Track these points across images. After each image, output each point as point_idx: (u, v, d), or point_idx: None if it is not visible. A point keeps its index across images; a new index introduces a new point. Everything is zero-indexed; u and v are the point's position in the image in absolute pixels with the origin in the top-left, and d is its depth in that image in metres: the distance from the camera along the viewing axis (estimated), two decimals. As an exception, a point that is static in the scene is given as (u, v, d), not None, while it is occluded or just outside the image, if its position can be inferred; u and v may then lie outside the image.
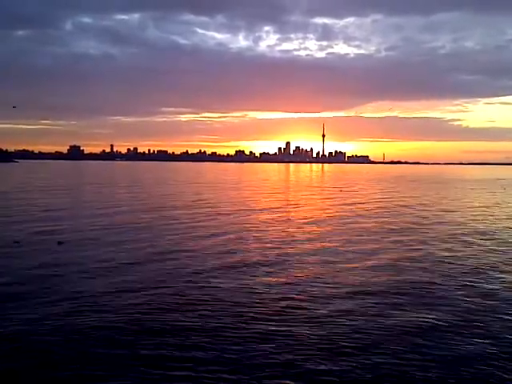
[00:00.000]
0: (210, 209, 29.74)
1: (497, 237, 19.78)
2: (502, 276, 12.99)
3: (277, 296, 10.92)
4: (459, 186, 64.41)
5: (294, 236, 19.72)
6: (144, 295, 10.89)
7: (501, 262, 14.69)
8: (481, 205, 34.69)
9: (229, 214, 26.89)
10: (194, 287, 11.65)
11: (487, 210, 31.24)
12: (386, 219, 25.46)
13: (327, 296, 10.94)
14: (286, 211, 29.83)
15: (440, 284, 12.08)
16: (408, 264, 14.38)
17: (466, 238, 19.24)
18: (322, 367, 7.29)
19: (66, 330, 8.69)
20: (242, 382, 6.86)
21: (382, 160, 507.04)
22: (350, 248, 16.89)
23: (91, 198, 37.08)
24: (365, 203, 35.26)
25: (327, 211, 29.95)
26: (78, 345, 8.08)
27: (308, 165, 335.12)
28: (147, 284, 11.85)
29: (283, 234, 20.36)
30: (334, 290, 11.40)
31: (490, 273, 13.35)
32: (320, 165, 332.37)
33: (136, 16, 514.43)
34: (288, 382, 6.88)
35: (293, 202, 36.46)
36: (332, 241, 18.50)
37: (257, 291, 11.32)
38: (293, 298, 10.74)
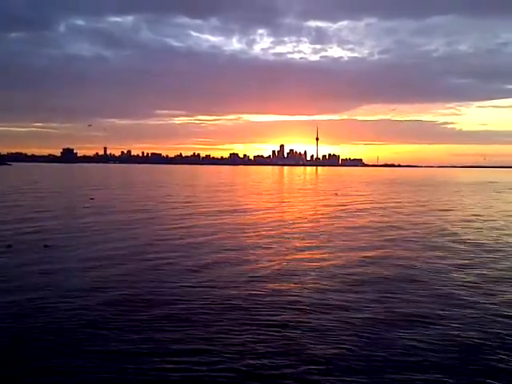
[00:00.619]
0: (201, 210, 30.01)
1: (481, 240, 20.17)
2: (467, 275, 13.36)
3: (265, 290, 11.23)
4: (451, 189, 64.96)
5: (282, 235, 20.01)
6: (135, 292, 11.10)
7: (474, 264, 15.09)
8: (474, 207, 35.22)
9: (219, 215, 27.16)
10: (185, 284, 11.90)
11: (481, 211, 31.69)
12: (373, 219, 25.85)
13: (310, 289, 11.30)
14: (276, 212, 30.10)
15: (409, 281, 12.51)
16: (385, 261, 14.76)
17: (451, 244, 19.59)
18: (317, 356, 7.68)
19: (58, 327, 8.89)
20: (239, 371, 7.12)
21: (375, 163, 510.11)
22: (336, 245, 17.26)
23: (81, 200, 37.03)
24: (355, 204, 35.69)
25: (318, 212, 30.34)
26: (72, 340, 8.24)
27: (302, 168, 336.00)
28: (137, 281, 12.09)
29: (271, 233, 20.64)
30: (313, 285, 11.78)
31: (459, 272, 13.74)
32: (314, 168, 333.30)
33: (130, 18, 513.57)
34: (288, 370, 7.19)
35: (284, 205, 36.85)
36: (317, 240, 18.84)
37: (244, 286, 11.62)
38: (278, 293, 11.03)
